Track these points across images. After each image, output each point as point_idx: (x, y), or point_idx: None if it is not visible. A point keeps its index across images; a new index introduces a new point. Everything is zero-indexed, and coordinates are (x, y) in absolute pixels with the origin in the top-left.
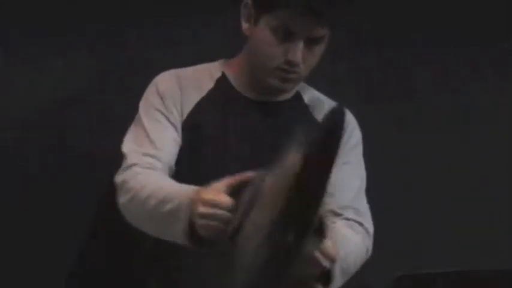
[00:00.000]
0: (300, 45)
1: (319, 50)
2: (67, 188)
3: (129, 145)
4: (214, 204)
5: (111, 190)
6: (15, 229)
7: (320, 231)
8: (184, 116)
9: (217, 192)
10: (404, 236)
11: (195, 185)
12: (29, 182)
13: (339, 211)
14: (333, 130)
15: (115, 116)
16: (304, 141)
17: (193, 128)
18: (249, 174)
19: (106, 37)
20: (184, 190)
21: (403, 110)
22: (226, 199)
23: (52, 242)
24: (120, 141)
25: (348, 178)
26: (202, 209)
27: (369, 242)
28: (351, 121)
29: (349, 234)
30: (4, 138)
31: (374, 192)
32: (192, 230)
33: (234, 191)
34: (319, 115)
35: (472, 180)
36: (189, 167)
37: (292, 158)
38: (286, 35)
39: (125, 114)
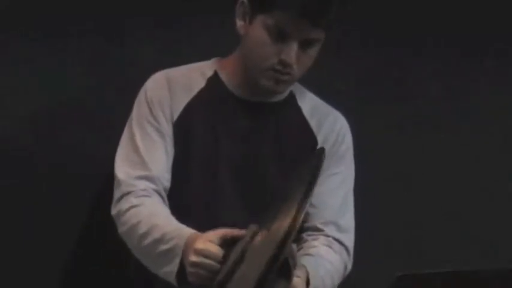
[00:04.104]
0: (294, 46)
1: (313, 52)
2: (65, 188)
3: (123, 168)
4: (205, 255)
5: (109, 190)
6: (14, 229)
7: (287, 272)
8: (175, 117)
9: (210, 243)
10: (404, 236)
11: (185, 188)
12: (26, 182)
13: (320, 227)
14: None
15: (114, 116)
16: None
17: (183, 129)
18: (242, 230)
19: (106, 37)
20: (180, 232)
21: (403, 111)
22: (217, 250)
23: (49, 242)
24: (119, 141)
25: (334, 190)
26: (193, 258)
27: (348, 260)
28: (343, 126)
29: (328, 254)
30: (3, 138)
31: (374, 193)
32: (182, 273)
33: (227, 243)
34: (313, 119)
35: (472, 180)
36: (180, 168)
37: (281, 224)
38: (280, 36)
39: (124, 114)
